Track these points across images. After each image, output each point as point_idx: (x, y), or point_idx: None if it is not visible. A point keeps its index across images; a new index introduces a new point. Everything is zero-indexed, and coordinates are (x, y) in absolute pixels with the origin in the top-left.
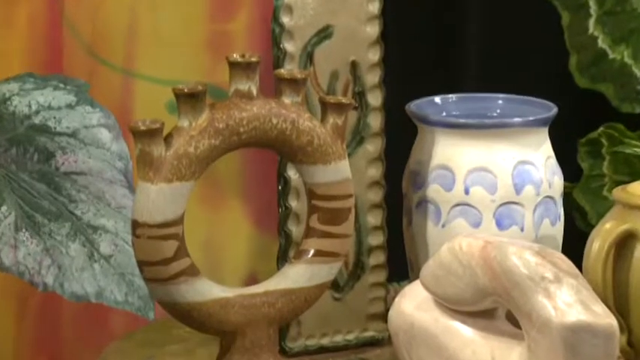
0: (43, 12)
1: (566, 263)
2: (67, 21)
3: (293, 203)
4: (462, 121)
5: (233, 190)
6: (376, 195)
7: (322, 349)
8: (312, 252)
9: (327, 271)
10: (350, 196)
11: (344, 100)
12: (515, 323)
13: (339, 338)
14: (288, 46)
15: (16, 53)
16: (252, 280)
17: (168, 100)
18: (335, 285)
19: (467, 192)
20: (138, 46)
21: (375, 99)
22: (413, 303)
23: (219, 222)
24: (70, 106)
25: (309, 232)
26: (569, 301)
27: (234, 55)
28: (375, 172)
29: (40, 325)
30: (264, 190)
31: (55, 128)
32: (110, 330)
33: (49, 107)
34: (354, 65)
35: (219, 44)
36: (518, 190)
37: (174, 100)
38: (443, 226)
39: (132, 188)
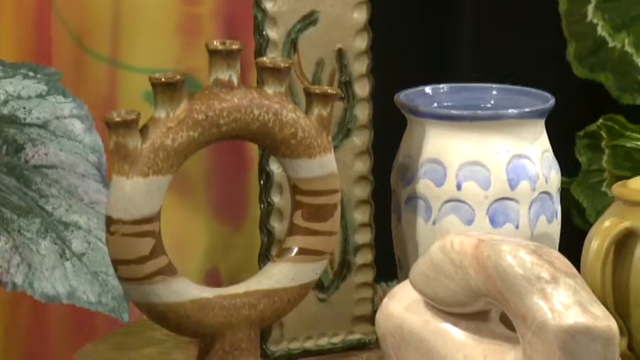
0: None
1: (564, 262)
2: (56, 9)
3: (276, 199)
4: (453, 112)
5: (192, 180)
6: (363, 190)
7: (306, 353)
8: (295, 250)
9: (311, 271)
10: (336, 191)
11: (330, 90)
12: (510, 326)
13: (324, 341)
14: (271, 32)
15: (4, 42)
16: (214, 274)
17: (145, 89)
18: (320, 285)
19: (459, 187)
20: (121, 34)
21: (362, 89)
22: (402, 304)
23: (179, 213)
24: (40, 96)
25: (292, 230)
26: (567, 303)
27: (214, 42)
28: (363, 166)
29: (29, 335)
30: (224, 180)
31: (24, 119)
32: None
33: (19, 97)
34: (340, 53)
35: (191, 29)
36: (513, 185)
37: (152, 89)
38: (434, 223)
39: (106, 182)
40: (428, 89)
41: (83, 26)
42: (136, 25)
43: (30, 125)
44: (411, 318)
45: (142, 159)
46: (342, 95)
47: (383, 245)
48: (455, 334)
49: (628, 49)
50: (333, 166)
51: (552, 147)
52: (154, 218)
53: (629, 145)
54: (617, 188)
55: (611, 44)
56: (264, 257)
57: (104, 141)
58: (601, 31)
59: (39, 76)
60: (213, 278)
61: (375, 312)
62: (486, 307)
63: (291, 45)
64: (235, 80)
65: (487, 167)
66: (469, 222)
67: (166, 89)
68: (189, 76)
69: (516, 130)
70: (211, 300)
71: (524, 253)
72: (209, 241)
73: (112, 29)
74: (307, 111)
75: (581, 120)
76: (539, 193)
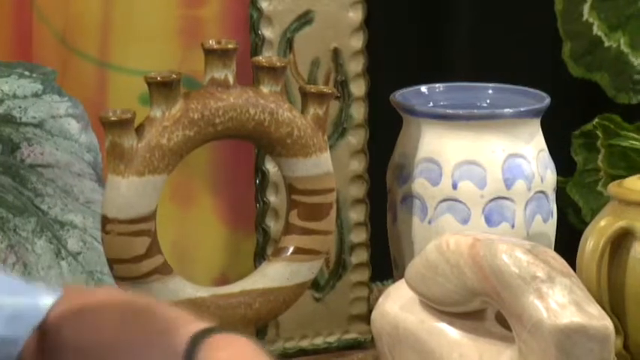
0: None
1: (559, 262)
2: (37, 8)
3: (271, 198)
4: (449, 111)
5: (202, 185)
6: (359, 189)
7: (302, 352)
8: (291, 249)
9: (307, 270)
10: (331, 190)
11: (325, 90)
12: (506, 325)
13: (319, 341)
14: (267, 32)
15: None
16: (224, 279)
17: (141, 91)
18: (315, 284)
19: (455, 187)
20: (112, 35)
21: (358, 88)
22: (397, 303)
23: (188, 219)
24: (36, 95)
25: (288, 229)
26: (563, 302)
27: (210, 42)
28: (358, 165)
29: None
30: (235, 185)
31: (20, 118)
32: None
33: (14, 96)
34: (336, 52)
35: (193, 32)
36: (508, 184)
37: (148, 91)
38: (429, 222)
39: (101, 182)
40: (424, 88)
41: (70, 26)
42: (133, 27)
43: (25, 124)
44: (406, 317)
45: (137, 158)
46: (338, 94)
47: (378, 244)
48: (450, 333)
49: (623, 48)
50: (329, 165)
51: (548, 146)
52: (149, 217)
53: (624, 144)
54: (612, 188)
55: (606, 44)
56: (260, 257)
57: (100, 140)
58: (597, 30)
59: (34, 75)
60: (222, 285)
61: (370, 311)
62: (482, 307)
63: (287, 44)
64: (231, 79)
65: (483, 166)
66: (465, 221)
67: (162, 88)
68: (193, 79)
69: (512, 130)
70: (207, 299)
71: (520, 253)
72: (218, 248)
73: (103, 30)
74: (303, 110)
75: (576, 119)
76: (535, 193)
